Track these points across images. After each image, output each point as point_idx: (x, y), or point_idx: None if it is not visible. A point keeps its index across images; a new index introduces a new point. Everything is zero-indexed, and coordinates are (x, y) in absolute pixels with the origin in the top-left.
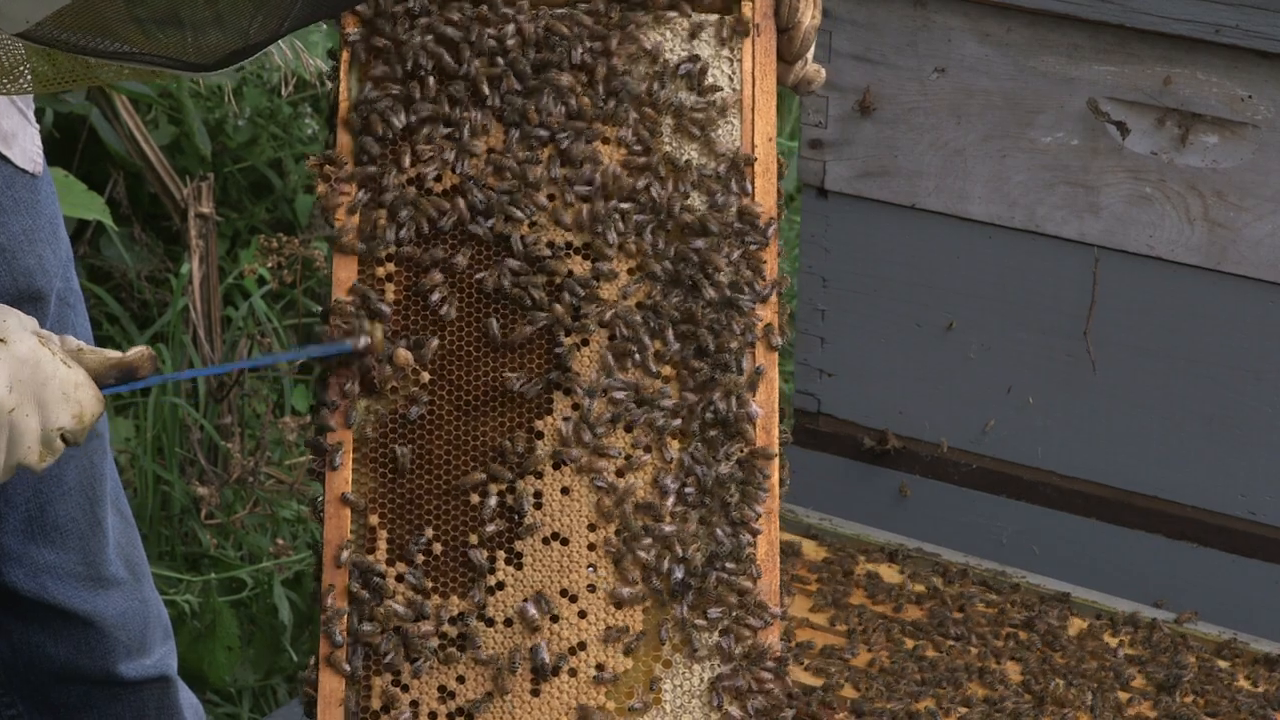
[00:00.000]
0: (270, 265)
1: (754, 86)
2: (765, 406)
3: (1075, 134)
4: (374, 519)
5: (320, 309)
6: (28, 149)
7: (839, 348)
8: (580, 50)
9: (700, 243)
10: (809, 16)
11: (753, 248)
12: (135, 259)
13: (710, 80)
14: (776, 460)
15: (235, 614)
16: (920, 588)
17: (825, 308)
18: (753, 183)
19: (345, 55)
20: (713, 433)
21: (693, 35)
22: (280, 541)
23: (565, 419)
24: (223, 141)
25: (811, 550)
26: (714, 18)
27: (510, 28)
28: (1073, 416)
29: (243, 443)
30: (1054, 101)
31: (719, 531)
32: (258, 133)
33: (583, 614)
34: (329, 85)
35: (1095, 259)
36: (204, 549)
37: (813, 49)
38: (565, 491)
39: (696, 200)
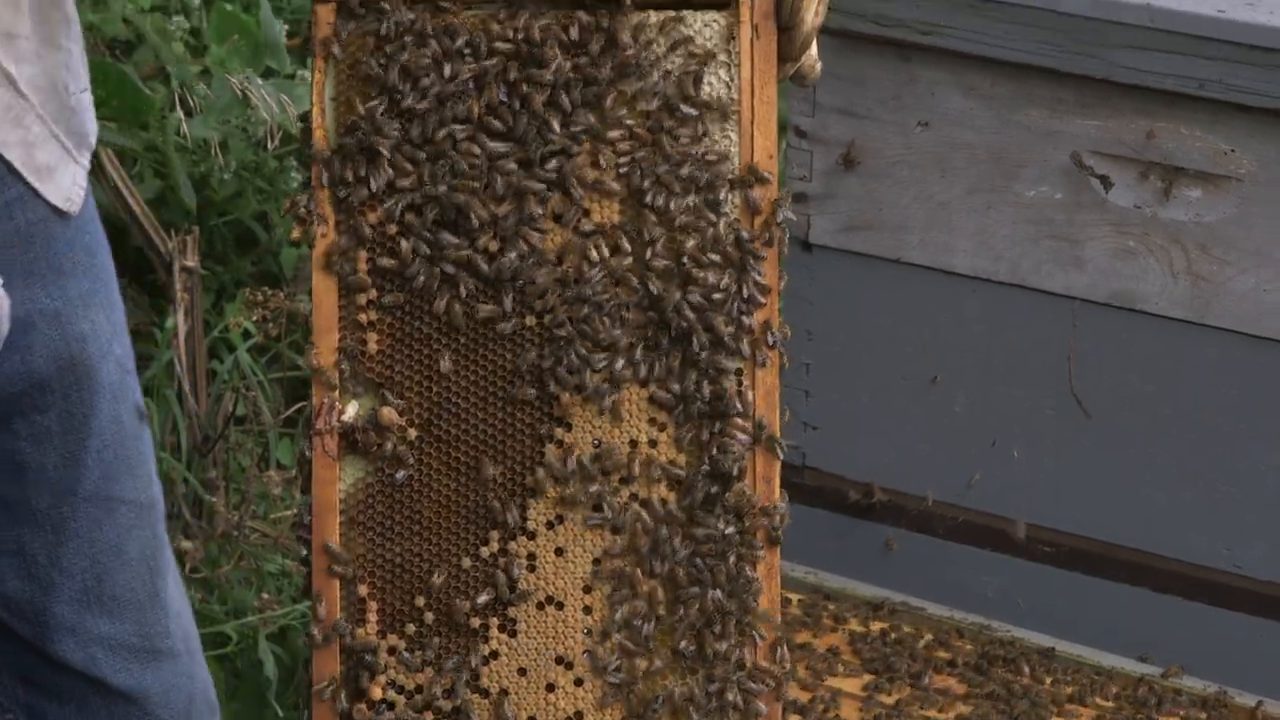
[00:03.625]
0: (255, 319)
1: (753, 97)
2: (763, 460)
3: (1059, 187)
4: (364, 589)
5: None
6: (64, 185)
7: (824, 401)
8: (565, 62)
9: (697, 276)
10: (812, 14)
11: (755, 282)
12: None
13: (707, 90)
14: (777, 514)
15: (220, 668)
16: (905, 636)
17: (810, 361)
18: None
19: (319, 75)
20: (714, 488)
21: (684, 38)
22: (265, 596)
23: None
24: (208, 195)
25: (796, 604)
26: (708, 16)
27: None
28: (1058, 470)
29: (228, 496)
30: (1038, 155)
31: (715, 594)
32: (243, 186)
33: (579, 682)
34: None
35: (1079, 312)
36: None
37: (814, 45)
38: (559, 552)
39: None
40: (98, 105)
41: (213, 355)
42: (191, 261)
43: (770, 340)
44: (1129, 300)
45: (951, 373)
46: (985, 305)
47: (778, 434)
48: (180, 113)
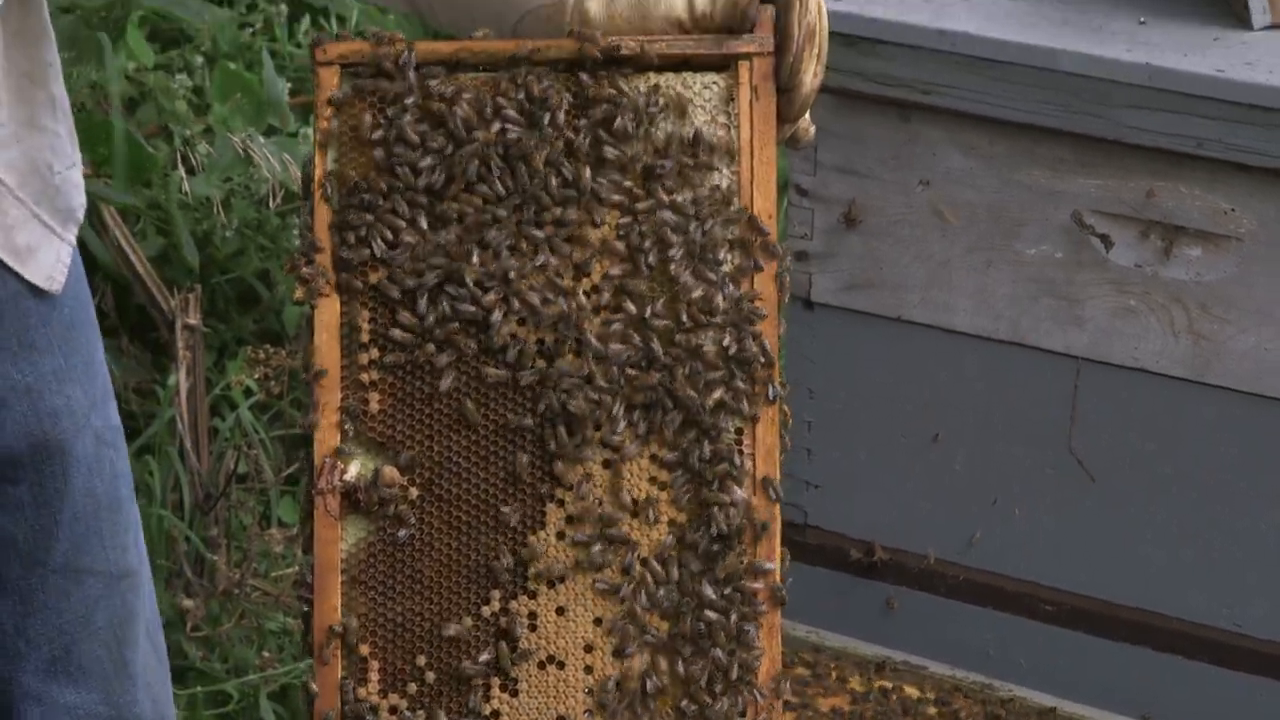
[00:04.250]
0: (257, 376)
1: (752, 158)
2: (762, 511)
3: (1059, 246)
4: (365, 648)
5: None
6: (47, 264)
7: (825, 459)
8: (564, 121)
9: (695, 339)
10: (810, 76)
11: (755, 340)
12: (123, 370)
13: (705, 153)
14: (776, 571)
15: None
16: (908, 696)
17: (812, 419)
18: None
19: (321, 142)
20: (715, 548)
21: (684, 100)
22: (266, 654)
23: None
24: (210, 253)
25: (799, 662)
26: (707, 78)
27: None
28: (1059, 529)
29: (229, 555)
30: (1038, 214)
31: (716, 654)
32: (245, 244)
33: None
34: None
35: (1079, 371)
36: (190, 662)
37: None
38: (560, 611)
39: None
40: (100, 164)
41: (214, 413)
42: (194, 319)
43: (770, 395)
44: (1129, 359)
45: (952, 431)
46: (986, 364)
47: (776, 481)
48: (182, 171)
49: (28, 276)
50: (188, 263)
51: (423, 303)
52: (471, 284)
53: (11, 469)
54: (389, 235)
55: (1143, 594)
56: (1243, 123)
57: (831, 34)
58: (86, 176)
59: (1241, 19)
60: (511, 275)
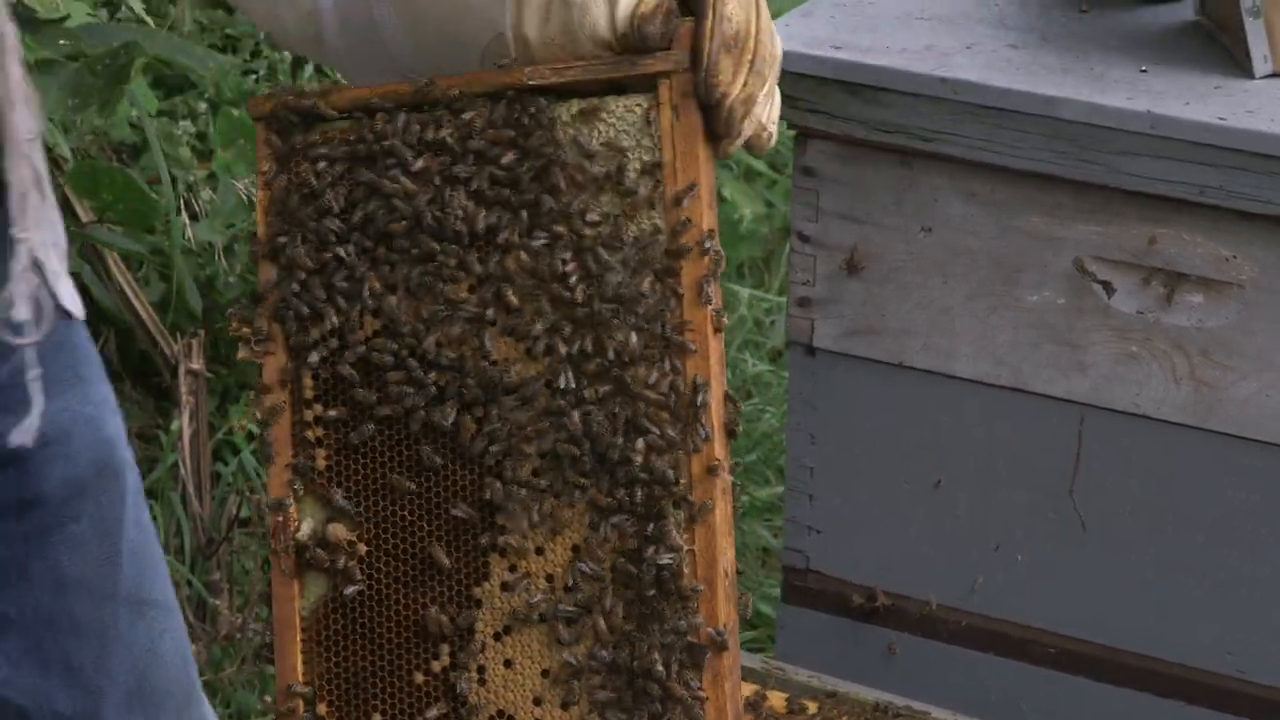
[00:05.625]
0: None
1: (676, 181)
2: (705, 556)
3: (1061, 293)
4: (323, 707)
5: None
6: (67, 291)
7: (827, 505)
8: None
9: (622, 377)
10: (739, 85)
11: (682, 376)
12: (125, 415)
13: (630, 179)
14: (725, 607)
15: None
16: None
17: (813, 465)
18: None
19: (262, 193)
20: (651, 593)
21: (605, 127)
22: (268, 699)
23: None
24: (213, 298)
25: (783, 706)
26: (630, 101)
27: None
28: (1061, 574)
29: (231, 599)
30: (1039, 260)
31: (656, 706)
32: (248, 289)
33: None
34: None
35: (1082, 417)
36: None
37: (754, 115)
38: (508, 664)
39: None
40: (104, 209)
41: (217, 458)
42: (196, 364)
43: (702, 435)
44: (1131, 405)
45: (954, 477)
46: (987, 409)
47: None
48: (185, 216)
49: (61, 301)
50: (190, 308)
51: (357, 353)
52: (402, 338)
53: (78, 503)
54: (320, 291)
55: (1145, 639)
56: (1244, 170)
57: (834, 82)
58: (91, 223)
59: (1243, 67)
60: (438, 322)
